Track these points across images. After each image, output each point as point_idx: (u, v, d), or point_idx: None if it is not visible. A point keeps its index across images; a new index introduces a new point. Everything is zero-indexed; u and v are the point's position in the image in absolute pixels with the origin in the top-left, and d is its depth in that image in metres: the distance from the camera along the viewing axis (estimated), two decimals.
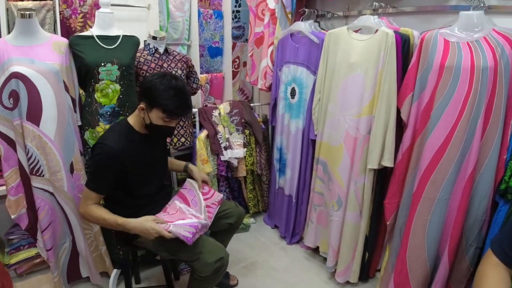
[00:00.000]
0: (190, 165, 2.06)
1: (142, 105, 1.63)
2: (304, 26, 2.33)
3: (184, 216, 1.76)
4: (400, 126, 1.94)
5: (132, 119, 1.72)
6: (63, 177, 1.83)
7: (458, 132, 1.65)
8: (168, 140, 2.35)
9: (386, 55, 1.84)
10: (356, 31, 2.09)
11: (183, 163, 2.09)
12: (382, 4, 2.08)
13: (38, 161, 1.77)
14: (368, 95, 1.94)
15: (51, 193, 1.84)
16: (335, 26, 2.53)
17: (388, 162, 1.93)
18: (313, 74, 2.32)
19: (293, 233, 2.70)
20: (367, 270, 2.25)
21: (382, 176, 2.07)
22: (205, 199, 1.89)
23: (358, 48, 1.97)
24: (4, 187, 2.05)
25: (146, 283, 2.27)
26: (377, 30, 1.92)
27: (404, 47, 1.86)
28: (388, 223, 2.01)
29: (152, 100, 1.59)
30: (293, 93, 2.49)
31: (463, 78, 1.61)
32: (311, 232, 2.47)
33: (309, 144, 2.45)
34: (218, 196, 1.97)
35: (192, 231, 1.60)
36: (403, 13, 2.12)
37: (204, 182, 2.00)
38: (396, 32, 1.86)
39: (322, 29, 2.49)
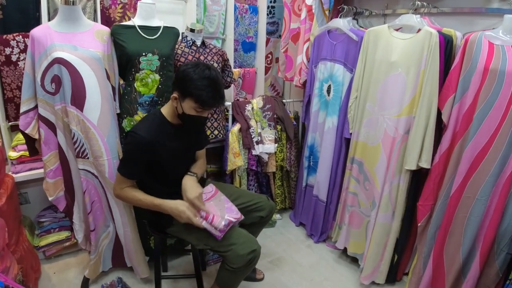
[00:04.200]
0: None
1: (175, 94, 1.63)
2: (343, 23, 2.30)
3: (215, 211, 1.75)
4: (439, 128, 1.91)
5: (165, 110, 1.74)
6: (105, 163, 1.85)
7: (500, 136, 1.62)
8: None
9: (429, 55, 1.80)
10: (396, 30, 2.05)
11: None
12: (425, 3, 2.04)
13: (83, 144, 1.81)
14: (409, 95, 1.91)
15: (95, 176, 1.89)
16: (373, 24, 2.50)
17: (425, 164, 1.89)
18: (350, 72, 2.29)
19: (320, 231, 2.68)
20: (395, 273, 2.22)
21: (417, 178, 2.03)
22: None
23: (400, 47, 1.94)
24: (36, 171, 2.15)
25: (173, 271, 2.31)
26: (419, 30, 1.88)
27: (447, 47, 1.82)
28: (419, 224, 1.99)
29: (185, 89, 1.59)
30: (329, 91, 2.47)
31: (508, 82, 1.57)
32: (343, 233, 2.42)
33: (342, 142, 2.43)
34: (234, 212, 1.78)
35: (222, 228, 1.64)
36: (443, 13, 2.06)
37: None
38: (439, 32, 1.82)
39: (361, 26, 2.45)
